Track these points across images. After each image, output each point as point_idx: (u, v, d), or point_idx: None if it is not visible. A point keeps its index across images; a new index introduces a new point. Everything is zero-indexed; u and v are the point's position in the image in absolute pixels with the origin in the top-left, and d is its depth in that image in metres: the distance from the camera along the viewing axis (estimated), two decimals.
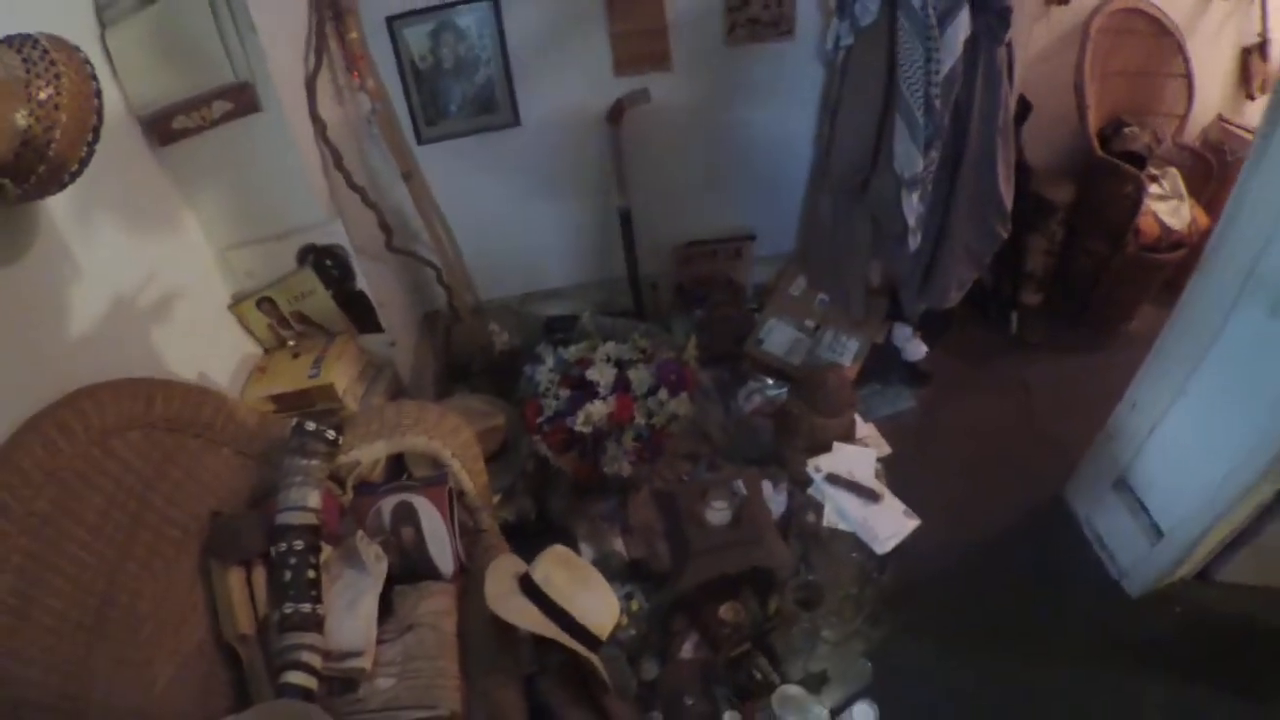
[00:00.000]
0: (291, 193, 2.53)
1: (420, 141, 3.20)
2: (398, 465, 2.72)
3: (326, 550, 1.96)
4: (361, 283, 2.73)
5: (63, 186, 1.49)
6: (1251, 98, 3.74)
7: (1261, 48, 3.63)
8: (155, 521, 1.78)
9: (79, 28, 1.94)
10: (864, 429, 3.18)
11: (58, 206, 1.77)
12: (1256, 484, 2.22)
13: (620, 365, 2.91)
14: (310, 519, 1.88)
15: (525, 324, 3.74)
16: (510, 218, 3.51)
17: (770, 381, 3.45)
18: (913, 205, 2.89)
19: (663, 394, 2.85)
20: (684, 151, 3.42)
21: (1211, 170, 3.60)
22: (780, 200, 3.61)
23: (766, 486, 2.89)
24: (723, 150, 3.44)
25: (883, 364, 3.56)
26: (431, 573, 2.16)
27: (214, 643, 1.84)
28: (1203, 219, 3.41)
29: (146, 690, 1.63)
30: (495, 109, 3.17)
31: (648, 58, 3.11)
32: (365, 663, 1.86)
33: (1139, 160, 3.41)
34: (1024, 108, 3.27)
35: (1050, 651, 2.57)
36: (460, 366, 3.64)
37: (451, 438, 2.25)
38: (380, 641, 1.94)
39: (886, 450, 3.15)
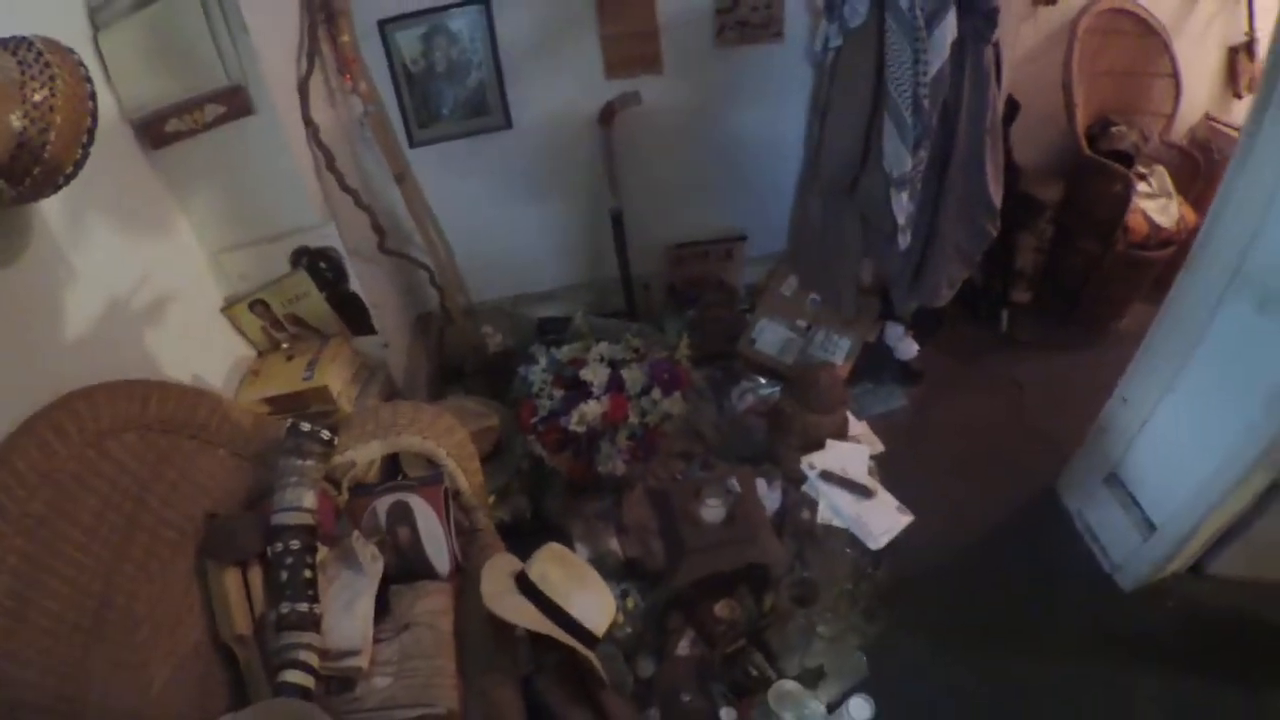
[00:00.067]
0: (284, 195, 2.53)
1: (412, 144, 3.21)
2: (393, 466, 2.72)
3: (323, 551, 1.96)
4: (355, 285, 2.73)
5: (57, 188, 1.49)
6: (1239, 96, 3.77)
7: (1248, 46, 3.66)
8: (151, 523, 1.77)
9: (71, 31, 1.93)
10: (857, 427, 3.19)
11: (51, 209, 1.77)
12: (1247, 477, 2.24)
13: (613, 365, 2.93)
14: (306, 519, 1.87)
15: (518, 325, 3.74)
16: (502, 219, 3.52)
17: (763, 381, 3.46)
18: (902, 204, 2.91)
19: (656, 393, 2.87)
20: (675, 153, 3.43)
21: (1199, 168, 3.63)
22: (771, 201, 3.62)
23: (761, 484, 2.90)
24: (713, 151, 3.45)
25: (875, 363, 3.58)
26: (428, 572, 2.16)
27: (211, 643, 1.83)
28: (1191, 216, 3.43)
29: (143, 691, 1.62)
30: (487, 111, 3.18)
31: (639, 60, 3.12)
32: (362, 662, 1.86)
33: (1127, 159, 3.44)
34: (1012, 107, 3.30)
35: (1043, 645, 2.58)
36: (453, 368, 3.65)
37: (446, 437, 2.26)
38: (377, 641, 1.93)
39: (880, 448, 3.16)
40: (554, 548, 2.07)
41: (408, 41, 2.96)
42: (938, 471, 3.14)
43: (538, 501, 3.03)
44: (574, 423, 2.81)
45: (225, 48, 2.17)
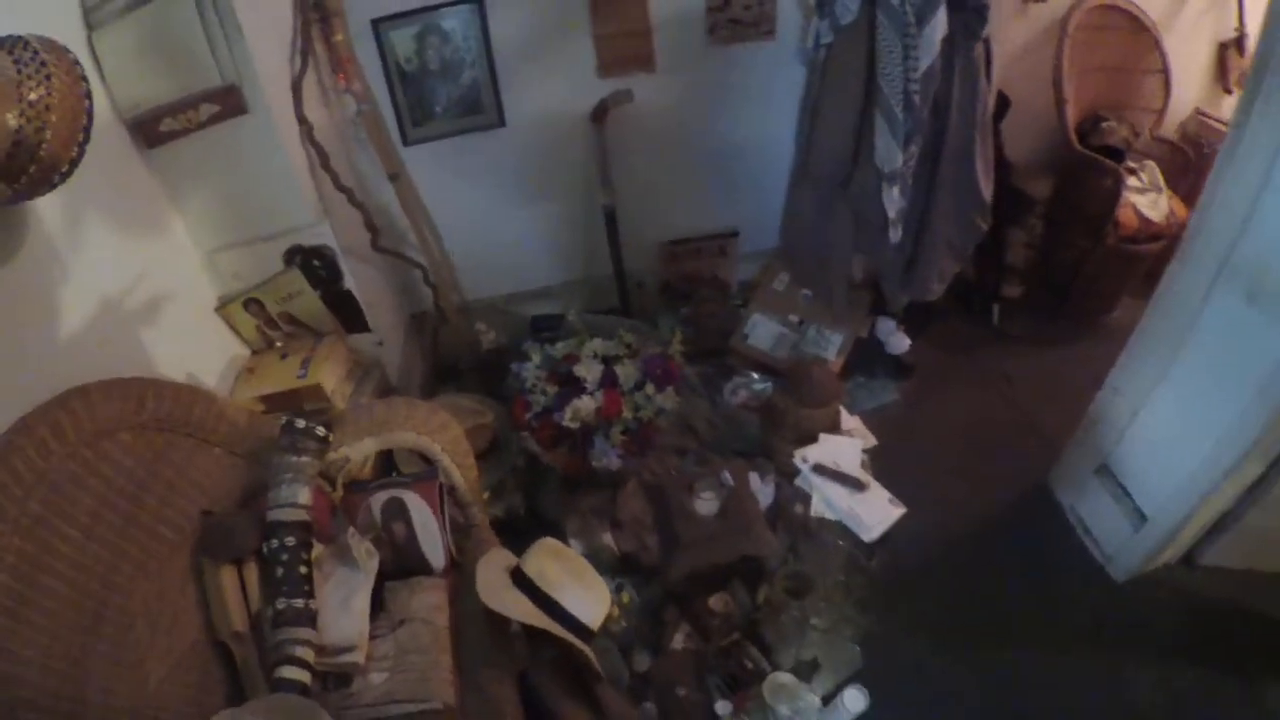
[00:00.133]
0: (278, 194, 2.53)
1: (406, 142, 3.22)
2: (388, 464, 2.73)
3: (318, 548, 1.96)
4: (349, 283, 2.74)
5: (53, 187, 1.49)
6: (1229, 91, 3.79)
7: (1238, 42, 3.68)
8: (148, 521, 1.77)
9: (66, 31, 1.93)
10: (849, 421, 3.21)
11: (46, 208, 1.77)
12: (1238, 466, 2.26)
13: (607, 361, 2.93)
14: (302, 515, 1.88)
15: (512, 323, 3.75)
16: (496, 217, 3.52)
17: (756, 376, 3.47)
18: (893, 199, 2.93)
19: (649, 388, 2.88)
20: (667, 150, 3.44)
21: (1189, 162, 3.65)
22: (763, 197, 3.63)
23: (754, 478, 2.91)
24: (706, 149, 3.47)
25: (867, 357, 3.59)
26: (423, 568, 2.16)
27: (208, 641, 1.83)
28: (1181, 211, 3.45)
29: (141, 689, 1.62)
30: (481, 110, 3.19)
31: (632, 59, 3.14)
32: (359, 657, 1.86)
33: (1117, 154, 3.46)
34: (1003, 104, 3.32)
35: (1036, 635, 2.60)
36: (448, 367, 3.66)
37: (441, 433, 2.26)
38: (373, 637, 1.94)
39: (872, 441, 3.18)
40: (549, 542, 2.08)
41: (401, 40, 2.97)
42: (930, 465, 3.16)
43: (532, 498, 3.04)
44: (568, 418, 2.81)
45: (219, 47, 2.18)
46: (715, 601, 2.57)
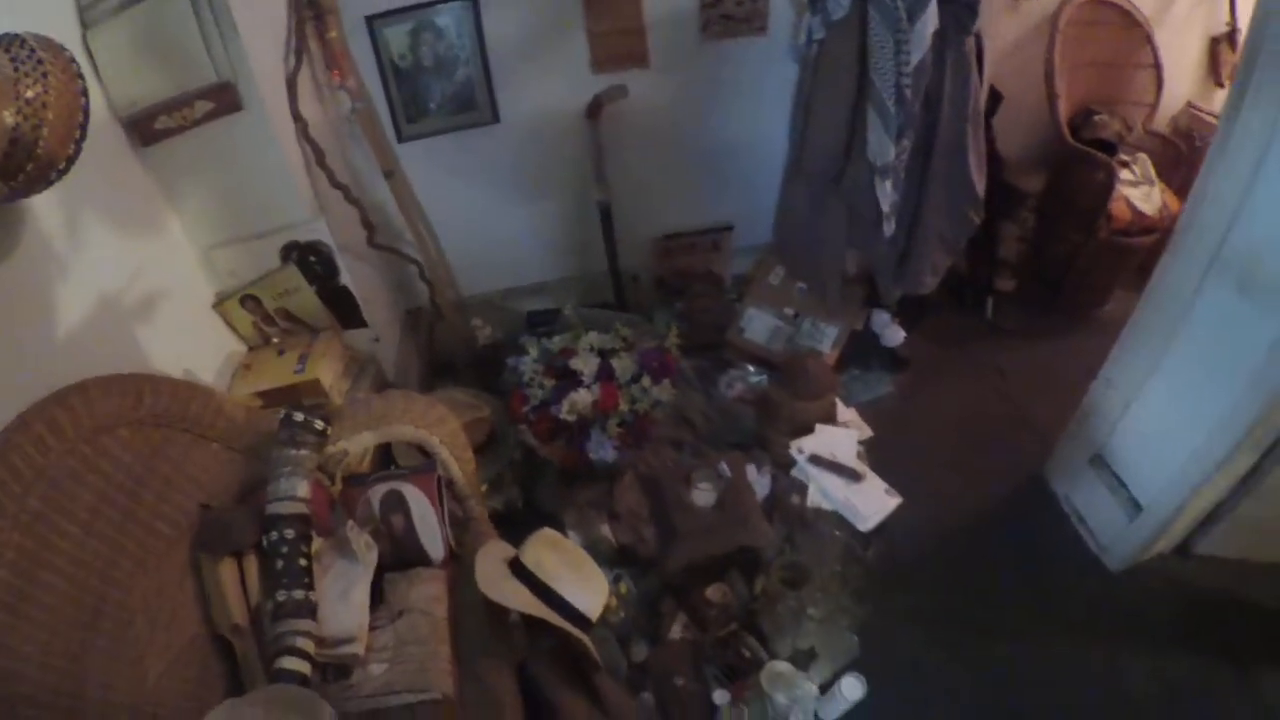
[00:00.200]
0: (274, 191, 2.54)
1: (401, 139, 3.22)
2: (385, 459, 2.74)
3: (318, 541, 1.97)
4: (345, 279, 2.75)
5: (50, 184, 1.49)
6: (1221, 85, 3.80)
7: (1230, 36, 3.70)
8: (146, 517, 1.77)
9: (61, 29, 1.94)
10: (844, 413, 3.22)
11: (42, 207, 1.78)
12: (1231, 456, 2.27)
13: (603, 354, 2.95)
14: (301, 508, 1.89)
15: (508, 318, 3.76)
16: (491, 214, 3.53)
17: (751, 369, 3.49)
18: (886, 192, 2.94)
19: (646, 380, 2.89)
20: (661, 146, 3.45)
21: (1182, 156, 3.67)
22: (757, 191, 3.64)
23: (750, 469, 2.93)
24: (699, 144, 3.47)
25: (862, 350, 3.61)
26: (422, 559, 2.18)
27: (207, 635, 1.84)
28: (1174, 204, 3.47)
29: (140, 683, 1.63)
30: (475, 107, 3.19)
31: (626, 56, 3.14)
32: (358, 648, 1.87)
33: (1109, 148, 3.47)
34: (995, 98, 3.33)
35: (1032, 623, 2.62)
36: (444, 362, 3.67)
37: (439, 426, 2.26)
38: (373, 628, 1.95)
39: (868, 433, 3.19)
40: (547, 533, 2.09)
41: (395, 37, 2.97)
42: (925, 456, 3.17)
43: (530, 491, 3.05)
44: (565, 411, 2.83)
45: (214, 44, 2.18)
46: (712, 592, 2.59)
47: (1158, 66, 3.61)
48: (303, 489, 1.91)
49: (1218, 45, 3.76)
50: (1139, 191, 3.49)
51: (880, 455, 3.09)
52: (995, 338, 3.75)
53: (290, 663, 1.72)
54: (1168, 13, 3.63)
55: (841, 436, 3.04)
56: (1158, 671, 2.45)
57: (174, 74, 2.18)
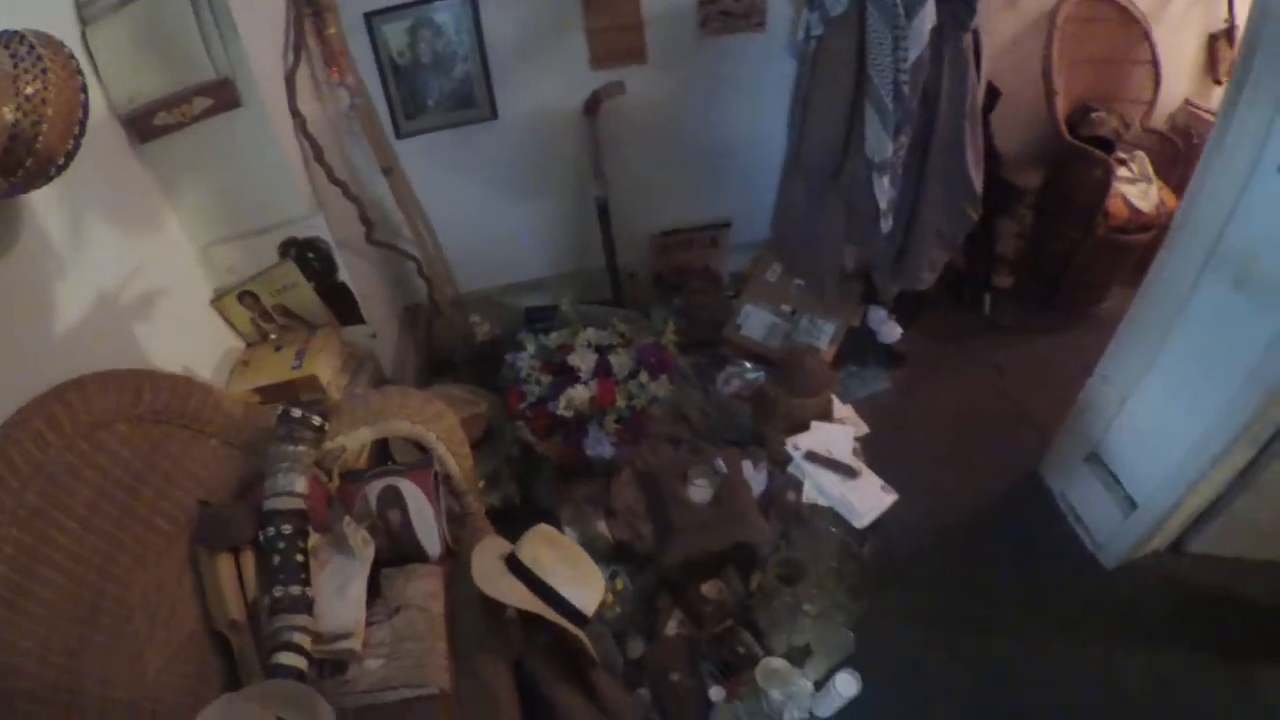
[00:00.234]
0: (272, 187, 2.54)
1: (399, 135, 3.22)
2: (383, 454, 2.74)
3: (314, 537, 1.98)
4: (344, 275, 2.75)
5: (49, 180, 1.50)
6: (1219, 83, 3.80)
7: (1228, 33, 3.69)
8: (144, 512, 1.78)
9: (60, 26, 1.94)
10: (841, 410, 3.22)
11: (41, 203, 1.78)
12: (1227, 453, 2.27)
13: (601, 350, 2.94)
14: (298, 504, 1.90)
15: (506, 314, 3.77)
16: (489, 210, 3.53)
17: (748, 366, 3.49)
18: (883, 188, 2.95)
19: (643, 376, 2.89)
20: (659, 142, 3.45)
21: (1179, 153, 3.67)
22: (754, 188, 3.65)
23: (746, 465, 2.94)
24: (697, 140, 3.48)
25: (859, 346, 3.62)
26: (418, 555, 2.18)
27: (205, 631, 1.85)
28: (1171, 201, 3.46)
29: (139, 679, 1.63)
30: (473, 103, 3.19)
31: (624, 52, 3.14)
32: (355, 644, 1.88)
33: (1107, 145, 3.47)
34: (992, 95, 3.33)
35: (1027, 620, 2.62)
36: (442, 359, 3.68)
37: (436, 422, 2.27)
38: (369, 624, 1.96)
39: (864, 429, 3.18)
40: (544, 529, 2.10)
41: (394, 34, 2.98)
42: (922, 453, 3.18)
43: (527, 487, 3.05)
44: (562, 407, 2.83)
45: (213, 41, 2.19)
46: (708, 588, 2.59)
47: (1155, 63, 3.61)
48: (300, 485, 1.92)
49: (1216, 42, 3.76)
50: (1136, 189, 3.50)
51: (876, 452, 3.09)
52: (993, 334, 3.75)
53: (287, 658, 1.73)
54: (1165, 9, 3.64)
55: (838, 433, 3.04)
56: (1153, 669, 2.45)
57: (173, 70, 2.18)
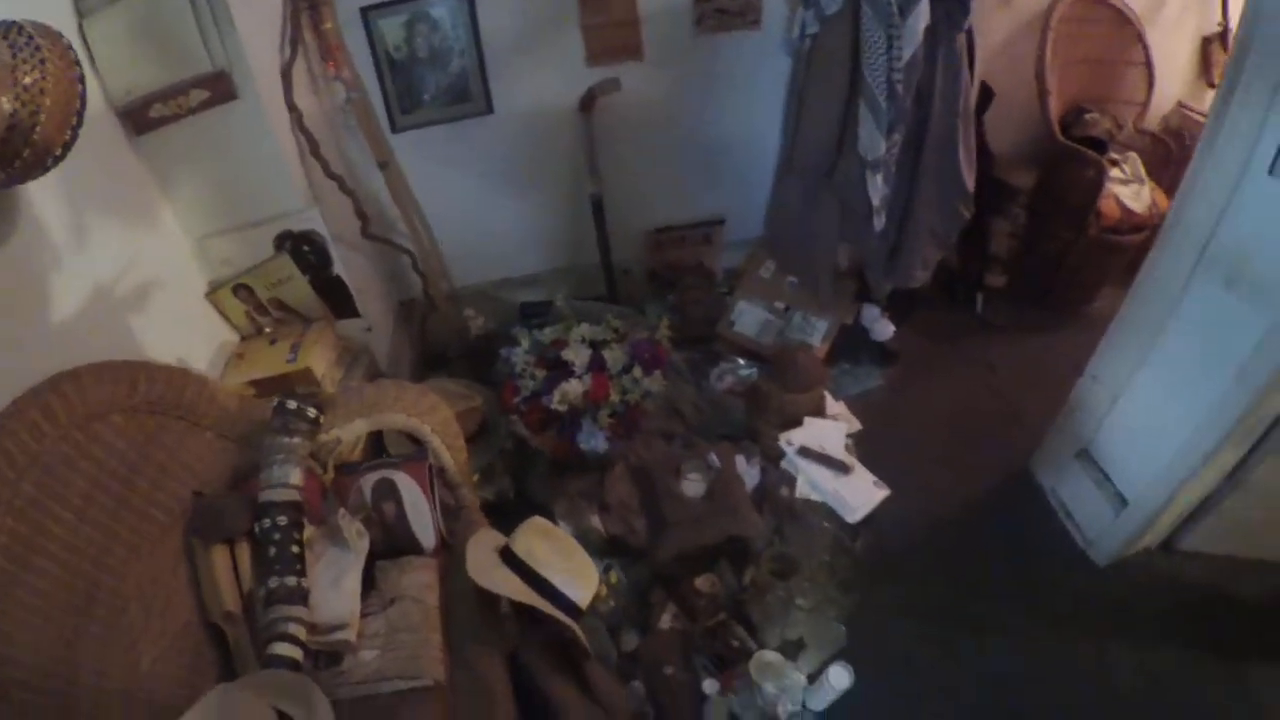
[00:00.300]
0: (268, 180, 2.55)
1: (395, 130, 3.23)
2: (377, 449, 2.74)
3: (309, 529, 1.97)
4: (339, 268, 2.75)
5: (46, 171, 1.50)
6: (1212, 85, 3.82)
7: (1222, 36, 3.72)
8: (139, 504, 1.78)
9: (57, 17, 1.91)
10: (834, 407, 3.24)
11: (37, 194, 1.78)
12: (1216, 451, 2.29)
13: (594, 345, 2.96)
14: (293, 495, 1.89)
15: (500, 309, 3.77)
16: (484, 205, 3.54)
17: (742, 362, 3.50)
18: (877, 186, 2.96)
19: (637, 371, 2.90)
20: (655, 139, 3.46)
21: (1172, 154, 3.69)
22: (749, 185, 3.66)
23: (740, 460, 2.94)
24: (692, 138, 3.49)
25: (852, 344, 3.63)
26: (413, 547, 2.18)
27: (200, 622, 1.84)
28: (1163, 202, 3.48)
29: (133, 670, 1.63)
30: (469, 98, 3.20)
31: (620, 49, 3.16)
32: (350, 635, 1.88)
33: (1100, 145, 3.49)
34: (986, 95, 3.35)
35: (1018, 616, 2.63)
36: (436, 353, 3.67)
37: (430, 415, 2.27)
38: (364, 615, 1.95)
39: (857, 426, 3.20)
40: (538, 521, 2.10)
41: (390, 28, 2.98)
42: (914, 449, 3.20)
43: (521, 481, 3.06)
44: (556, 402, 2.84)
45: (210, 34, 2.19)
46: (702, 582, 2.60)
47: (1149, 65, 3.63)
48: (295, 476, 1.91)
49: (1210, 45, 3.78)
50: (1129, 189, 3.51)
51: (869, 448, 3.10)
52: (985, 333, 3.78)
53: (282, 649, 1.72)
54: (1160, 12, 3.66)
55: (830, 429, 3.06)
56: (1145, 666, 2.47)
57: (169, 63, 2.19)
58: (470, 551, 1.98)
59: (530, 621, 2.06)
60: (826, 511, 2.82)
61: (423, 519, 2.18)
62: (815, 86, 3.03)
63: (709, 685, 2.41)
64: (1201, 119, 3.66)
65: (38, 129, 1.41)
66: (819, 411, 3.12)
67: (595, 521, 2.80)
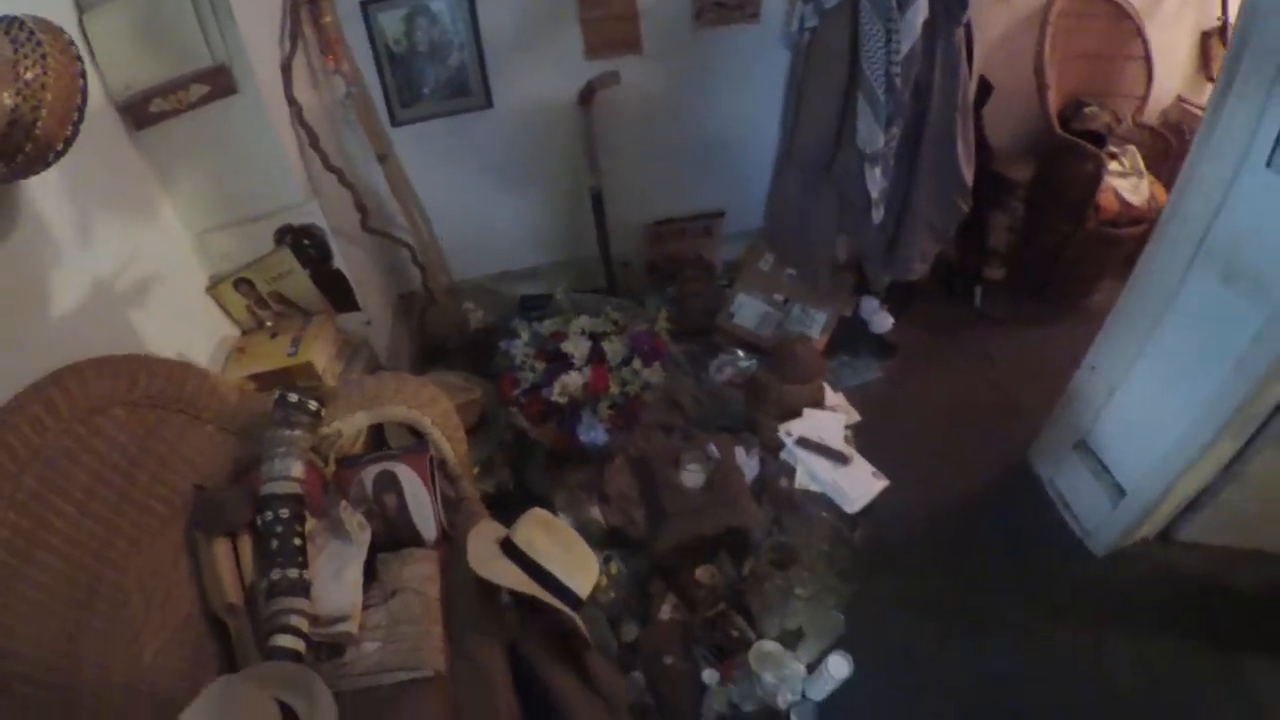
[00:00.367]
0: (268, 174, 2.54)
1: (395, 123, 3.23)
2: (378, 441, 2.75)
3: (311, 522, 1.98)
4: (339, 262, 2.75)
5: (47, 166, 1.50)
6: (1211, 80, 3.81)
7: (1221, 31, 3.71)
8: (141, 497, 1.78)
9: (57, 12, 1.92)
10: (833, 398, 3.25)
11: (38, 189, 1.78)
12: (1214, 442, 2.30)
13: (594, 338, 2.95)
14: (295, 488, 1.90)
15: (500, 302, 3.77)
16: (483, 198, 3.54)
17: (741, 354, 3.52)
18: (875, 179, 2.97)
19: (636, 363, 2.90)
20: (654, 132, 3.46)
21: (1170, 148, 3.68)
22: (748, 178, 3.67)
23: (739, 452, 2.96)
24: (692, 130, 3.49)
25: (851, 336, 3.64)
26: (414, 539, 2.20)
27: (201, 615, 1.85)
28: (1162, 195, 3.48)
29: (135, 663, 1.64)
30: (469, 92, 3.20)
31: (619, 42, 3.16)
32: (352, 627, 1.89)
33: (1099, 139, 3.49)
34: (985, 89, 3.36)
35: (1017, 607, 2.65)
36: (436, 346, 3.67)
37: (431, 407, 2.28)
38: (366, 607, 1.97)
39: (856, 418, 3.22)
40: (538, 513, 2.10)
41: (390, 22, 2.98)
42: (913, 440, 3.21)
43: (521, 473, 3.06)
44: (556, 394, 2.84)
45: (210, 28, 2.19)
46: (702, 573, 2.61)
47: (1148, 59, 3.63)
48: (297, 469, 1.92)
49: (1209, 39, 3.78)
50: (1127, 183, 3.51)
51: (868, 439, 3.12)
52: (983, 326, 3.78)
53: (285, 640, 1.74)
54: (1159, 6, 3.66)
55: (829, 420, 3.07)
56: (1142, 657, 2.48)
57: (169, 57, 2.18)
58: (471, 543, 1.99)
59: (531, 612, 2.07)
60: (825, 502, 2.85)
61: (424, 511, 2.19)
62: (814, 80, 3.03)
63: (709, 675, 2.42)
64: (1200, 113, 3.63)
65: (39, 124, 1.42)
66: (818, 403, 3.13)
67: (595, 513, 2.81)
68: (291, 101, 2.58)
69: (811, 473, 2.89)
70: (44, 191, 1.81)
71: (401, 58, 3.07)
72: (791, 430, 2.99)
